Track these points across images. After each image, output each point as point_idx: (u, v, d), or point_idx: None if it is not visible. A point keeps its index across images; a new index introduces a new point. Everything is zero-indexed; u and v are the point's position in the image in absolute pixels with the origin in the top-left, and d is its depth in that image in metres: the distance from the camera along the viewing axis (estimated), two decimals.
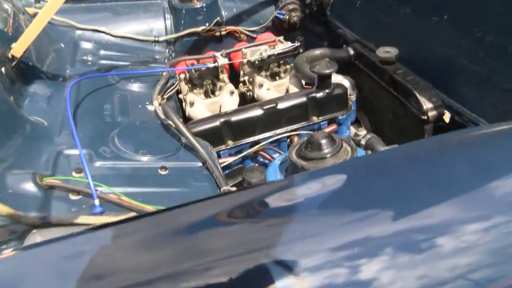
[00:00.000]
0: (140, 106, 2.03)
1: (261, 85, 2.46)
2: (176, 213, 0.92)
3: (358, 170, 1.07)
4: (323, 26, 2.82)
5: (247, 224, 0.89)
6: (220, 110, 2.44)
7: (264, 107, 2.06)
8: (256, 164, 2.16)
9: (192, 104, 2.38)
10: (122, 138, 1.73)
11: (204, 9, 2.63)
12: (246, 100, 2.56)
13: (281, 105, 2.08)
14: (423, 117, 2.00)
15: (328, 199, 0.92)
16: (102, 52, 2.52)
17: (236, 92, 2.46)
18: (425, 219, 0.85)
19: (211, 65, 2.38)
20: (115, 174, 1.53)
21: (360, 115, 2.51)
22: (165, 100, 2.24)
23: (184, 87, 2.52)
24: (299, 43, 2.52)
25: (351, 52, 2.47)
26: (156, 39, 2.63)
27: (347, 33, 2.62)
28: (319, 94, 2.11)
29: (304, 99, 2.10)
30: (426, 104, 1.99)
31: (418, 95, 2.01)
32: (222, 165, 2.03)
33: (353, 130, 2.35)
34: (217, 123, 2.01)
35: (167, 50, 2.67)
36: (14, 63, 1.90)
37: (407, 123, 2.13)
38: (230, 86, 2.46)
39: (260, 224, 0.87)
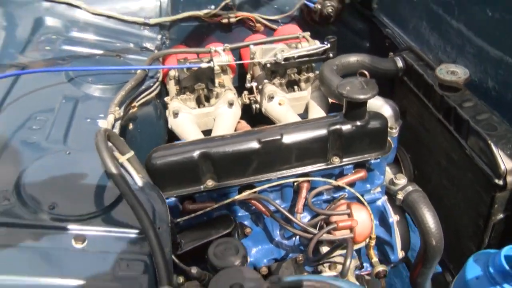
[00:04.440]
0: (88, 120, 1.44)
1: (271, 97, 1.82)
2: None
3: None
4: (366, 22, 2.15)
5: None
6: (214, 125, 1.83)
7: (263, 139, 1.42)
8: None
9: (176, 114, 1.78)
10: (32, 183, 1.14)
11: None
12: (252, 114, 1.93)
13: (288, 138, 1.44)
14: (497, 181, 1.33)
15: None
16: (73, 33, 1.94)
17: (238, 103, 1.84)
18: None
19: (204, 64, 1.76)
20: None
21: (400, 152, 1.85)
22: (135, 108, 1.65)
23: (173, 89, 1.92)
24: (330, 45, 1.85)
25: (400, 64, 1.81)
26: (147, 21, 2.05)
27: (397, 35, 1.95)
28: (346, 127, 1.46)
29: (323, 131, 1.45)
30: (506, 164, 1.31)
31: (493, 148, 1.34)
32: (197, 213, 1.43)
33: (389, 174, 1.69)
34: (193, 154, 1.40)
35: (160, 36, 2.07)
36: None
37: (470, 181, 1.47)
38: (230, 94, 1.84)
39: None
